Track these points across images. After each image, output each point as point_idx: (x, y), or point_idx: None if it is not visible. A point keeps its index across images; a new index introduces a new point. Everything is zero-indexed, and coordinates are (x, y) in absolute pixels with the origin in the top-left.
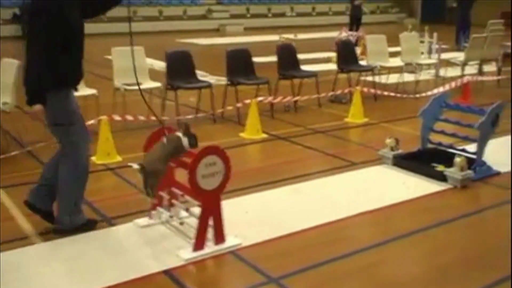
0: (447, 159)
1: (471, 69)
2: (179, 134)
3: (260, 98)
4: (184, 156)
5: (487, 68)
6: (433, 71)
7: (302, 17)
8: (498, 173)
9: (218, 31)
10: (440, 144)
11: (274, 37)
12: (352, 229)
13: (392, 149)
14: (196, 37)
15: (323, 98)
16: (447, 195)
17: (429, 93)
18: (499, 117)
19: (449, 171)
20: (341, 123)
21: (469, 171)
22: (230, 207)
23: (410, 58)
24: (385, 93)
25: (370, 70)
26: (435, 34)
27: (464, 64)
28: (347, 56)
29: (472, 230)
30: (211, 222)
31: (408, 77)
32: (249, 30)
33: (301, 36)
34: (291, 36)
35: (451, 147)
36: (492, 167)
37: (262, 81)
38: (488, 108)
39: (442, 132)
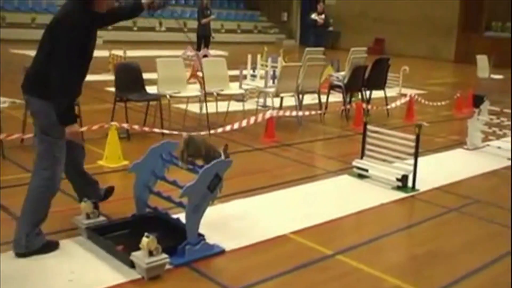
0: (165, 232)
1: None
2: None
3: None
4: None
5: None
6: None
7: (172, 32)
8: (222, 251)
9: None
10: (156, 209)
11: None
12: None
13: (88, 216)
14: None
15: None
16: None
17: (227, 128)
18: (221, 178)
19: (135, 256)
20: (90, 167)
21: (163, 256)
22: None
23: (170, 88)
24: (144, 129)
25: (156, 99)
26: (279, 59)
27: (276, 96)
28: (128, 82)
29: None
30: None
31: (221, 107)
32: (110, 44)
33: (133, 53)
34: (120, 53)
35: (166, 214)
36: (214, 245)
37: None
38: (203, 168)
39: (158, 194)
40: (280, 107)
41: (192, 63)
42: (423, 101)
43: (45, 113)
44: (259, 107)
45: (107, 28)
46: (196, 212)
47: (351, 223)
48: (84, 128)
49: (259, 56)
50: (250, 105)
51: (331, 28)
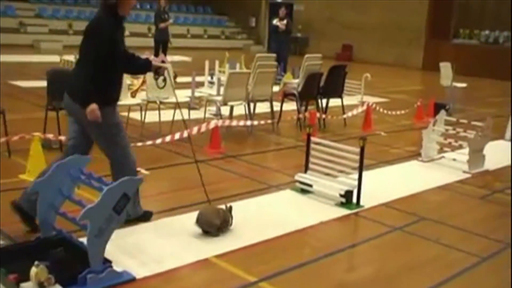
0: (70, 258)
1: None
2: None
3: None
4: None
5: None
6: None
7: (138, 37)
8: (132, 279)
9: (32, 47)
10: (60, 232)
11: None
12: None
13: None
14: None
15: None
16: None
17: (168, 138)
18: (129, 198)
19: None
20: (8, 182)
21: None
22: None
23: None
24: None
25: None
26: (237, 65)
27: (224, 104)
28: (61, 89)
29: None
30: None
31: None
32: (71, 49)
33: None
34: (71, 58)
35: (71, 238)
36: (122, 272)
37: None
38: (107, 186)
39: (63, 215)
40: (230, 116)
41: None
42: (381, 109)
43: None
44: (211, 116)
45: (68, 32)
46: (100, 236)
47: (284, 244)
48: (3, 139)
49: (217, 62)
50: (202, 113)
51: (298, 34)
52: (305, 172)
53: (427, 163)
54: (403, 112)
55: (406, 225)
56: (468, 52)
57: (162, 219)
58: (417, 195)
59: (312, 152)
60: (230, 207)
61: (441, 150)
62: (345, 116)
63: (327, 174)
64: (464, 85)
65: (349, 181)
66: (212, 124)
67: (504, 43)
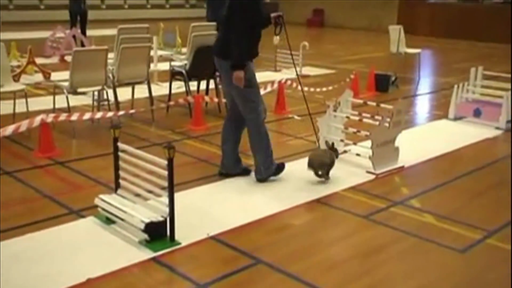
0: None
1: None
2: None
3: None
4: None
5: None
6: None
7: (54, 10)
8: None
9: None
10: None
11: None
12: None
13: None
14: None
15: None
16: None
17: None
18: None
19: None
20: None
21: None
22: None
23: None
24: None
25: None
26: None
27: (73, 91)
28: None
29: None
30: None
31: None
32: None
33: None
34: None
35: None
36: None
37: None
38: None
39: None
40: (98, 108)
41: (59, 46)
42: (298, 87)
43: (229, 71)
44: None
45: None
46: None
47: None
48: None
49: (155, 38)
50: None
51: (267, 0)
52: (116, 191)
53: None
54: (330, 88)
55: (225, 275)
56: (445, 12)
57: None
58: (277, 215)
59: (123, 165)
60: (333, 144)
61: (348, 141)
62: None
63: (138, 195)
64: (417, 51)
65: (161, 207)
66: (37, 121)
67: (484, 1)
